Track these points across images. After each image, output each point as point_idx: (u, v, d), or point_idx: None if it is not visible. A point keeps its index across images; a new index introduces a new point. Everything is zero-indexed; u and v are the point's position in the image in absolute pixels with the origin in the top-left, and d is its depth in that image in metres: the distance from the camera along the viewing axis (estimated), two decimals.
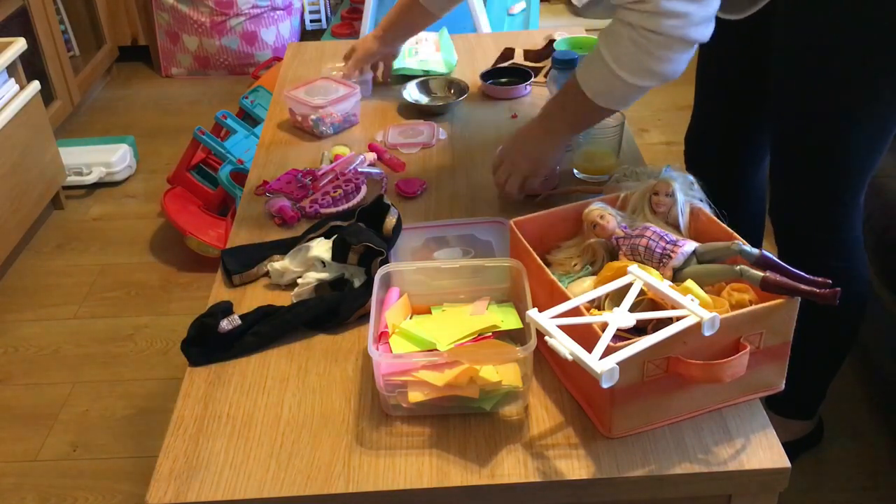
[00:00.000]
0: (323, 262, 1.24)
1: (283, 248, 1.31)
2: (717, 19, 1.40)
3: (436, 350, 1.05)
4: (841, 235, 1.48)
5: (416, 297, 1.15)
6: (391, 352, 1.06)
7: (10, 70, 2.59)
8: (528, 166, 1.37)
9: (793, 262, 1.17)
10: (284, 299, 1.23)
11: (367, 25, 3.03)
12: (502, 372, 1.02)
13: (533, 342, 0.98)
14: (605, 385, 0.88)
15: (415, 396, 1.01)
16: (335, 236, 1.26)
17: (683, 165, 1.68)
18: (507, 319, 1.10)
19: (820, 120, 1.37)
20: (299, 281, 1.24)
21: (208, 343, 1.14)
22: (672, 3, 1.12)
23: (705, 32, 1.16)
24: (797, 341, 1.03)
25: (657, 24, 1.14)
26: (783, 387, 1.05)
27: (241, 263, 1.28)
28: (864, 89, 1.32)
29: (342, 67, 1.80)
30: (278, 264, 1.27)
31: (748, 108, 1.60)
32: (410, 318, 1.13)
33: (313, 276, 1.23)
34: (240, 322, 1.15)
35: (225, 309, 1.18)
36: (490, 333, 1.09)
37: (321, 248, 1.26)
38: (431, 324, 1.10)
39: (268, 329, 1.16)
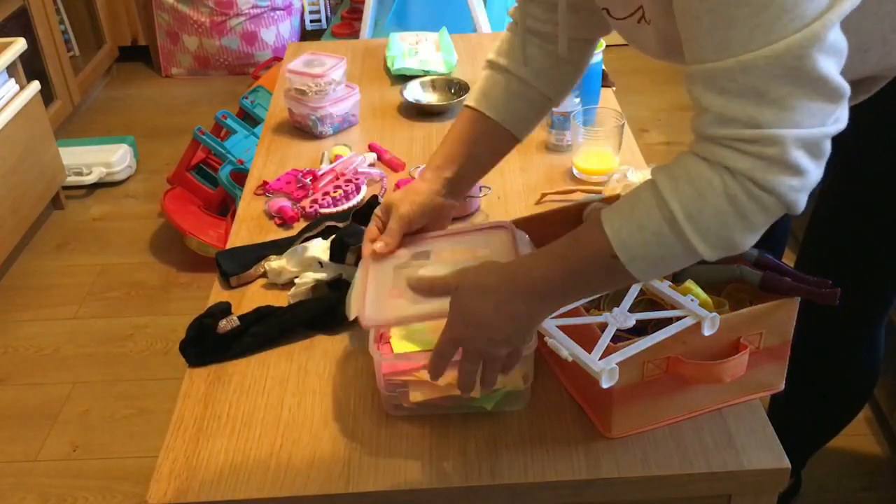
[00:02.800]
0: (320, 263, 1.24)
1: (278, 248, 1.31)
2: None
3: None
4: (863, 332, 1.39)
5: None
6: (392, 352, 1.06)
7: (10, 70, 2.59)
8: (496, 348, 0.92)
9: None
10: (284, 299, 1.23)
11: (367, 25, 3.03)
12: None
13: (533, 342, 0.98)
14: (605, 385, 0.88)
15: (416, 396, 1.01)
16: (333, 237, 1.26)
17: None
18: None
19: (882, 204, 1.22)
20: (296, 281, 1.24)
21: (207, 344, 1.14)
22: (800, 154, 0.78)
23: (804, 202, 0.82)
24: (800, 407, 0.99)
25: (776, 178, 0.79)
26: (783, 387, 1.05)
27: (238, 265, 1.28)
28: None
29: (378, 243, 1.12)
30: (275, 264, 1.26)
31: None
32: None
33: (311, 277, 1.23)
34: (238, 323, 1.15)
35: (223, 310, 1.18)
36: None
37: (318, 248, 1.26)
38: (432, 322, 1.09)
39: (266, 330, 1.16)
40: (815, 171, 0.80)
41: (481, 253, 1.06)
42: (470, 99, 1.13)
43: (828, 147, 0.80)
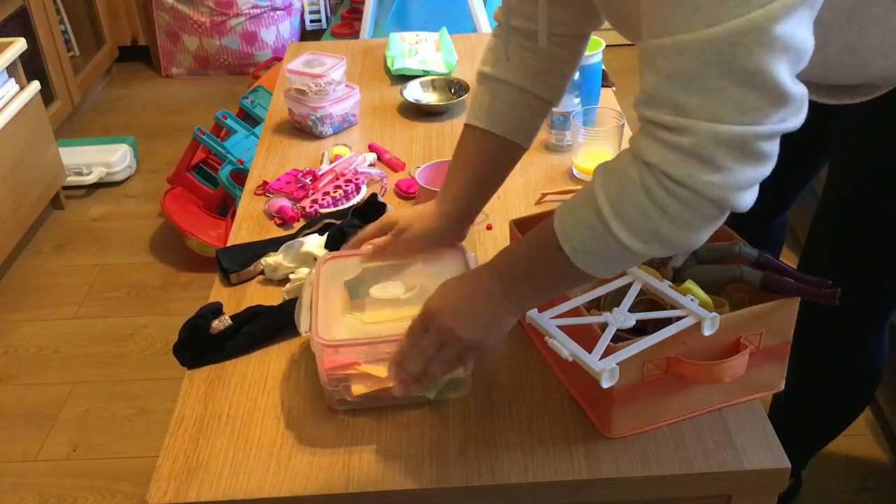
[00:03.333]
0: (315, 259, 1.24)
1: (278, 246, 1.31)
2: None
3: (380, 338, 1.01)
4: (867, 333, 1.38)
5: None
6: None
7: (10, 70, 2.59)
8: (468, 338, 0.93)
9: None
10: (282, 296, 1.23)
11: (367, 25, 3.03)
12: None
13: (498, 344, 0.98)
14: (605, 385, 0.88)
15: (358, 389, 1.02)
16: (331, 229, 1.26)
17: None
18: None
19: (881, 212, 1.21)
20: (291, 276, 1.24)
21: (200, 345, 1.14)
22: (718, 150, 0.75)
23: (746, 200, 0.80)
24: (801, 408, 0.99)
25: (689, 172, 0.77)
26: (783, 387, 1.05)
27: (238, 262, 1.28)
28: None
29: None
30: (272, 259, 1.27)
31: (784, 164, 1.46)
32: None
33: (305, 272, 1.23)
34: (230, 322, 1.15)
35: (215, 310, 1.17)
36: None
37: (314, 244, 1.26)
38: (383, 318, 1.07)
39: (259, 329, 1.16)
40: (743, 170, 0.76)
41: (433, 270, 1.07)
42: (471, 117, 1.11)
43: (764, 147, 0.76)
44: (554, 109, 1.55)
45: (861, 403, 1.51)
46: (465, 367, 1.00)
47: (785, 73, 0.73)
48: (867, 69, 1.03)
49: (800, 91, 0.75)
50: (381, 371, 1.00)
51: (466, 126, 1.12)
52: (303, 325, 1.03)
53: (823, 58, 0.98)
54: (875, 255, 1.26)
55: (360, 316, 1.06)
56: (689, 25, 0.72)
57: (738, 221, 1.16)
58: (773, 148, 0.77)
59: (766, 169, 0.78)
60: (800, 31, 0.73)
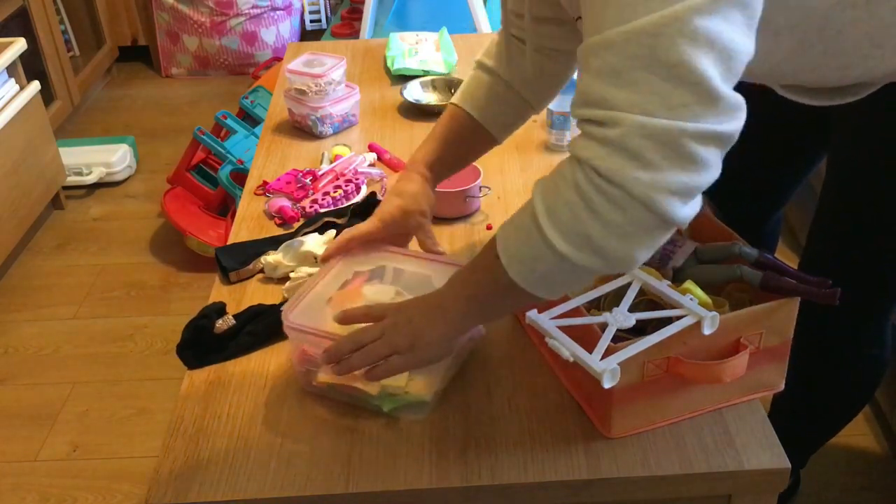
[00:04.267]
0: (315, 258, 1.24)
1: (277, 244, 1.31)
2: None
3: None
4: (878, 325, 1.37)
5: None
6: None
7: (10, 70, 2.59)
8: (404, 342, 0.95)
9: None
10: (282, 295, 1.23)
11: (367, 25, 3.03)
12: (413, 380, 1.01)
13: (449, 361, 1.00)
14: (606, 385, 0.88)
15: (322, 377, 1.03)
16: (332, 230, 1.26)
17: None
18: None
19: (878, 210, 1.22)
20: (291, 275, 1.24)
21: (203, 345, 1.14)
22: (645, 143, 0.74)
23: (684, 211, 0.77)
24: (802, 405, 1.00)
25: (617, 166, 0.75)
26: (783, 387, 1.05)
27: (237, 260, 1.28)
28: None
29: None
30: (271, 258, 1.27)
31: (780, 162, 1.45)
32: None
33: (305, 271, 1.23)
34: (234, 322, 1.15)
35: (218, 309, 1.17)
36: None
37: (314, 243, 1.26)
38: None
39: (262, 328, 1.16)
40: (673, 172, 0.74)
41: (434, 281, 1.07)
42: (456, 96, 1.18)
43: (697, 150, 0.74)
44: (553, 109, 1.55)
45: (862, 400, 1.51)
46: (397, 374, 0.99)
47: (712, 70, 0.73)
48: (851, 70, 1.05)
49: (734, 96, 0.75)
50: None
51: (451, 104, 1.19)
52: (286, 306, 1.05)
53: (807, 62, 1.01)
54: (875, 249, 1.26)
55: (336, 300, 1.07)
56: (617, 22, 0.74)
57: (733, 217, 1.16)
58: (709, 154, 0.75)
59: (702, 177, 0.76)
60: (728, 30, 0.73)
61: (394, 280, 1.13)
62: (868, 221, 1.24)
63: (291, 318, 1.02)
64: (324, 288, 1.08)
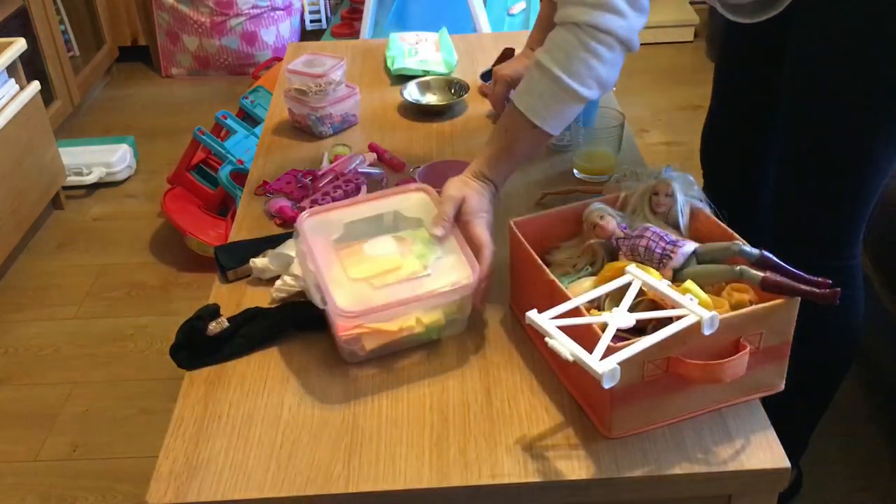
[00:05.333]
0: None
1: (277, 244, 1.31)
2: (733, 23, 1.38)
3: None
4: (842, 263, 1.40)
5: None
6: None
7: (10, 70, 2.59)
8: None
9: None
10: None
11: (367, 25, 3.03)
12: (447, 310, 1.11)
13: (471, 279, 1.08)
14: (606, 385, 0.88)
15: (370, 343, 1.10)
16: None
17: (683, 165, 1.67)
18: (426, 252, 1.14)
19: (832, 138, 1.30)
20: (277, 283, 1.23)
21: (197, 347, 1.14)
22: (620, 1, 1.10)
23: (637, 41, 1.14)
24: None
25: (608, 21, 1.10)
26: (783, 387, 1.05)
27: (235, 259, 1.28)
28: (883, 110, 1.25)
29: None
30: (259, 261, 1.26)
31: (761, 114, 1.54)
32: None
33: (289, 280, 1.22)
34: (227, 325, 1.15)
35: (212, 311, 1.17)
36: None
37: (294, 246, 1.26)
38: (384, 252, 1.15)
39: (256, 330, 1.16)
40: (634, 16, 1.11)
41: (411, 217, 1.19)
42: (521, 102, 1.19)
43: (645, 2, 1.11)
44: None
45: (848, 349, 1.50)
46: None
47: None
48: None
49: None
50: (388, 326, 1.08)
51: (516, 108, 1.20)
52: (317, 299, 1.08)
53: None
54: (825, 183, 1.33)
55: (351, 270, 1.11)
56: None
57: (724, 190, 1.19)
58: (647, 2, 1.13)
59: (645, 17, 1.13)
60: None
61: (377, 231, 1.18)
62: (812, 150, 1.32)
63: (343, 306, 1.05)
64: (335, 268, 1.11)
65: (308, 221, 1.17)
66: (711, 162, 1.69)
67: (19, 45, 2.59)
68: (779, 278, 0.98)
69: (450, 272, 1.10)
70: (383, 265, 1.12)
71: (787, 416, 1.12)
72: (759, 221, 1.16)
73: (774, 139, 1.53)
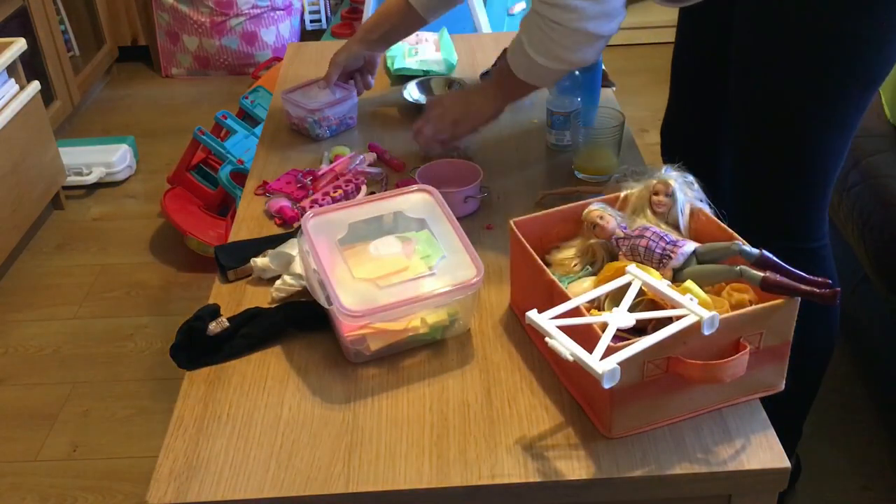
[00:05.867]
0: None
1: (277, 244, 1.31)
2: (682, 13, 1.46)
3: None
4: (807, 245, 1.40)
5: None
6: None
7: (10, 70, 2.59)
8: (458, 111, 1.47)
9: None
10: None
11: None
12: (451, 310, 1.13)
13: (475, 279, 1.08)
14: (606, 385, 0.88)
15: (375, 344, 1.11)
16: None
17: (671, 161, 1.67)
18: (431, 252, 1.14)
19: (783, 118, 1.31)
20: (277, 283, 1.23)
21: (197, 347, 1.14)
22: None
23: (606, 27, 1.25)
24: None
25: (556, 15, 1.23)
26: (783, 387, 1.05)
27: (236, 259, 1.28)
28: (832, 89, 1.26)
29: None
30: (259, 261, 1.27)
31: (715, 100, 1.54)
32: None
33: (289, 280, 1.22)
34: (228, 325, 1.15)
35: (212, 312, 1.17)
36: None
37: (295, 245, 1.26)
38: (389, 254, 1.16)
39: (257, 331, 1.16)
40: (589, 7, 1.21)
41: (414, 217, 1.20)
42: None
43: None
44: (553, 109, 1.55)
45: (823, 344, 1.50)
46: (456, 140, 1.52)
47: None
48: None
49: None
50: (393, 326, 1.10)
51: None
52: (321, 299, 1.08)
53: None
54: (791, 154, 1.33)
55: (357, 271, 1.11)
56: None
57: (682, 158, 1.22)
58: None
59: (609, 4, 1.23)
60: None
61: (381, 231, 1.19)
62: (764, 131, 1.34)
63: (348, 306, 1.05)
64: (340, 268, 1.11)
65: (312, 221, 1.16)
66: (668, 153, 1.71)
67: (19, 45, 2.59)
68: (779, 278, 0.98)
69: (454, 272, 1.10)
70: (388, 265, 1.13)
71: (778, 406, 1.12)
72: (723, 209, 1.16)
73: (725, 128, 1.55)
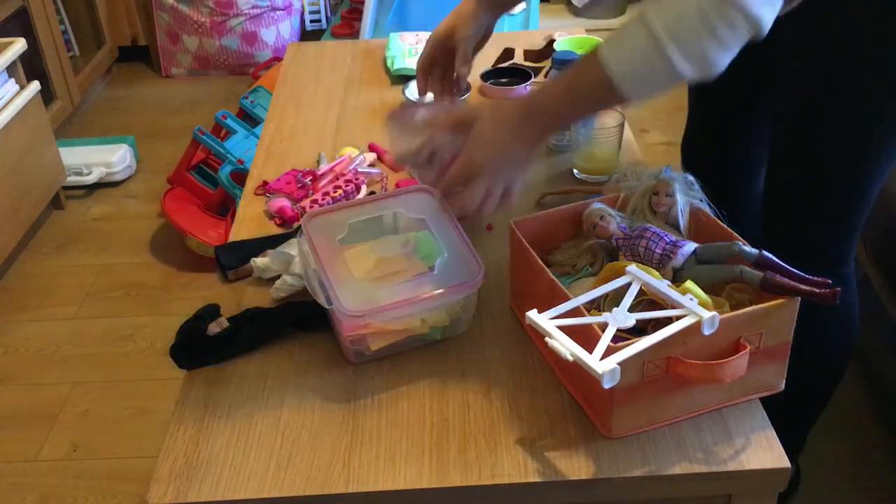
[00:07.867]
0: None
1: (277, 244, 1.31)
2: None
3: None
4: (838, 270, 1.38)
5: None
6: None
7: (10, 70, 2.59)
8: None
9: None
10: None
11: (367, 25, 3.03)
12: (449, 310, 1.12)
13: (475, 279, 1.08)
14: (606, 385, 0.88)
15: (376, 344, 1.09)
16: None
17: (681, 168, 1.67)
18: (431, 252, 1.14)
19: (825, 145, 1.27)
20: (277, 283, 1.23)
21: (196, 347, 1.14)
22: None
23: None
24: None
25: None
26: (783, 387, 1.05)
27: (236, 259, 1.28)
28: (874, 118, 1.23)
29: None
30: (260, 261, 1.27)
31: (743, 114, 1.53)
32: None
33: (289, 280, 1.22)
34: (227, 325, 1.15)
35: (212, 312, 1.17)
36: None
37: (295, 245, 1.26)
38: (389, 251, 1.17)
39: (257, 332, 1.15)
40: None
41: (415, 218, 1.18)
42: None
43: None
44: None
45: (843, 353, 1.49)
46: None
47: None
48: None
49: None
50: (394, 326, 1.09)
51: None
52: (321, 299, 1.08)
53: None
54: (819, 189, 1.31)
55: (357, 271, 1.11)
56: None
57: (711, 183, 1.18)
58: None
59: None
60: None
61: (382, 231, 1.20)
62: (810, 157, 1.29)
63: (349, 306, 1.05)
64: (340, 268, 1.11)
65: (313, 221, 1.16)
66: (690, 167, 1.66)
67: (19, 45, 2.59)
68: (779, 278, 0.98)
69: (454, 272, 1.10)
70: (389, 265, 1.13)
71: (785, 416, 1.12)
72: (741, 229, 1.13)
73: (754, 145, 1.53)
